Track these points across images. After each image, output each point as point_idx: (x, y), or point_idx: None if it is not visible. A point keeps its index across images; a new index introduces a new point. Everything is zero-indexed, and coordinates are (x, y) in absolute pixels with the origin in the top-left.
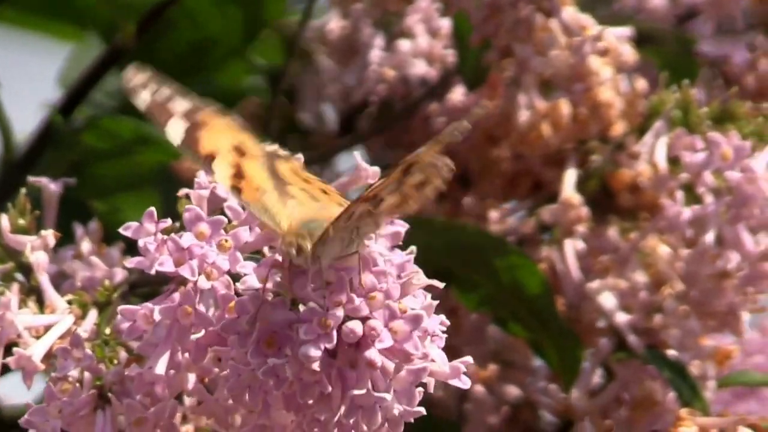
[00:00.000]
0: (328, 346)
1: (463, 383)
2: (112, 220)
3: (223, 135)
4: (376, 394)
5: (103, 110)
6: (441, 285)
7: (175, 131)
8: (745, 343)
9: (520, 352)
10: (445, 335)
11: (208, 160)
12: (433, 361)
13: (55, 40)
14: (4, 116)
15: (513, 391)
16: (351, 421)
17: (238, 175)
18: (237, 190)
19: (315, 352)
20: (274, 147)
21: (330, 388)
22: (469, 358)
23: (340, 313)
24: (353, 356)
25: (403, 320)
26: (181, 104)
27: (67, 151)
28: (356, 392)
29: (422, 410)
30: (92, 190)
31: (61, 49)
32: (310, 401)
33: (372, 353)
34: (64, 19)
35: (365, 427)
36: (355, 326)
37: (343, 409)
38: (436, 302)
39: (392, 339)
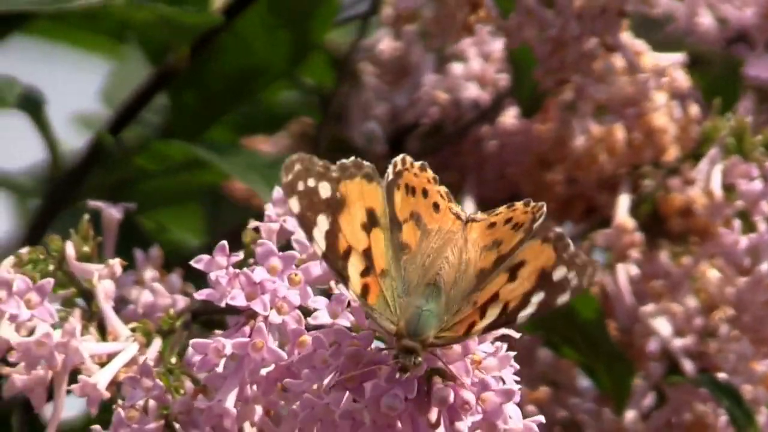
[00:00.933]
0: (409, 396)
1: None
2: (158, 238)
3: (358, 205)
4: None
5: (151, 129)
6: (517, 335)
7: (320, 242)
8: None
9: (566, 373)
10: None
11: (345, 260)
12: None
13: (89, 54)
14: (51, 134)
15: (563, 412)
16: None
17: (367, 269)
18: (365, 294)
19: (399, 404)
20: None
21: None
22: (541, 418)
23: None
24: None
25: (495, 393)
26: (324, 189)
27: (118, 172)
28: None
29: None
30: (138, 204)
31: (94, 62)
32: None
33: (462, 426)
34: (102, 33)
35: None
36: (446, 394)
37: None
38: (513, 353)
39: (482, 412)
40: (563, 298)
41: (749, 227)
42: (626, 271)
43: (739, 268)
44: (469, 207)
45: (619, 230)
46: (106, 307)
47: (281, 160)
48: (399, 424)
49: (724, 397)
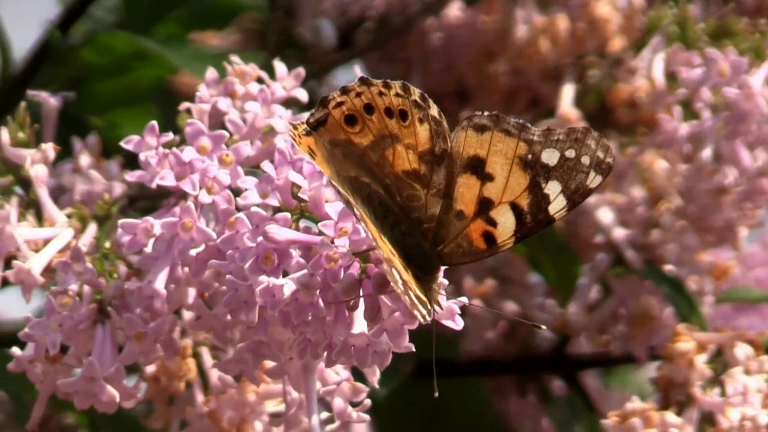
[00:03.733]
0: (334, 284)
1: (457, 324)
2: (110, 135)
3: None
4: (370, 336)
5: (101, 25)
6: None
7: None
8: (746, 256)
9: (517, 268)
10: None
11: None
12: None
13: None
14: (3, 32)
15: (510, 306)
16: (342, 358)
17: None
18: None
19: (315, 281)
20: None
21: (325, 313)
22: (464, 299)
23: (344, 244)
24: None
25: None
26: None
27: (65, 67)
28: (352, 332)
29: (412, 347)
30: (91, 105)
31: None
32: (304, 321)
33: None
34: None
35: (355, 362)
36: (383, 274)
37: (336, 344)
38: None
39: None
40: (592, 179)
41: (693, 116)
42: None
43: (680, 156)
44: None
45: (562, 120)
46: (42, 193)
47: (228, 53)
48: (321, 303)
49: (668, 288)
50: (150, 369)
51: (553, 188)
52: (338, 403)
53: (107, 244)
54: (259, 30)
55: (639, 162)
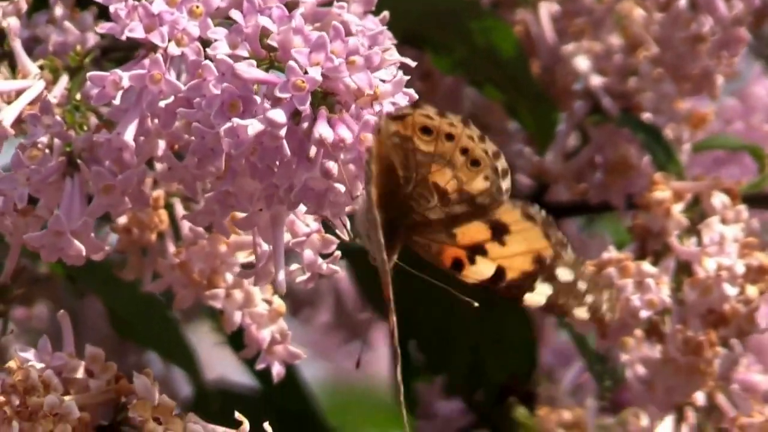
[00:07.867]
0: (300, 108)
1: None
2: None
3: None
4: (330, 182)
5: None
6: (413, 64)
7: None
8: (724, 110)
9: (496, 115)
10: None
11: None
12: None
13: None
14: None
15: None
16: (300, 201)
17: None
18: None
19: (282, 117)
20: None
21: (290, 155)
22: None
23: (316, 73)
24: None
25: None
26: None
27: None
28: (310, 175)
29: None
30: None
31: None
32: (269, 166)
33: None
34: None
35: (312, 208)
36: (326, 133)
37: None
38: (406, 78)
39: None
40: (579, 312)
41: None
42: (548, 9)
43: (657, 5)
44: None
45: None
46: (15, 44)
47: None
48: (285, 146)
49: (645, 136)
50: (121, 220)
51: (544, 289)
52: (308, 254)
53: (79, 96)
54: None
55: (617, 10)
